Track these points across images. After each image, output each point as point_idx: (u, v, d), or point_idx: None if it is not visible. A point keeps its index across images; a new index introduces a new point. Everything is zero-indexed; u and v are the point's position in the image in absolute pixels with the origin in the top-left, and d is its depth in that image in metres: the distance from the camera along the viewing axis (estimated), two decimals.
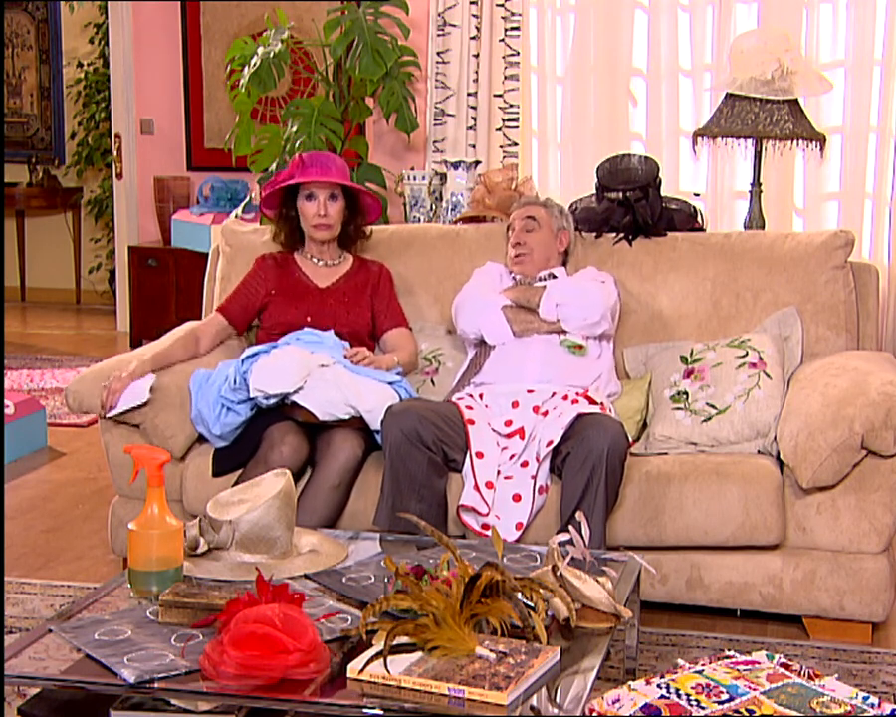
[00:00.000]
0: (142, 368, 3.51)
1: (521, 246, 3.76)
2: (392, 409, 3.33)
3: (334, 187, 3.75)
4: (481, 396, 3.52)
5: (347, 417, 3.42)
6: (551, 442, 3.25)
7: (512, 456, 3.32)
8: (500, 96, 6.22)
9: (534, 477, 3.26)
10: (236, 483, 3.36)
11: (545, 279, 3.75)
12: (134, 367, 3.49)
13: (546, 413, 3.38)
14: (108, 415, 3.46)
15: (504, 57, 6.19)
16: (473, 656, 2.13)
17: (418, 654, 2.14)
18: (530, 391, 3.48)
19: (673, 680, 2.23)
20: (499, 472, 3.29)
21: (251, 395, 3.42)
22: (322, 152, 3.91)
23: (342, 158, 3.94)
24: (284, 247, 3.90)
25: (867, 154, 5.72)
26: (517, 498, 3.24)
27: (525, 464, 3.29)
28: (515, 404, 3.45)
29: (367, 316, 3.81)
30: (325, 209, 3.74)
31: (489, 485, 3.25)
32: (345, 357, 3.56)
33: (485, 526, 3.20)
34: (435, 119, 6.31)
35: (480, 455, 3.29)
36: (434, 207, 5.28)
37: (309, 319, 3.73)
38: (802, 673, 2.26)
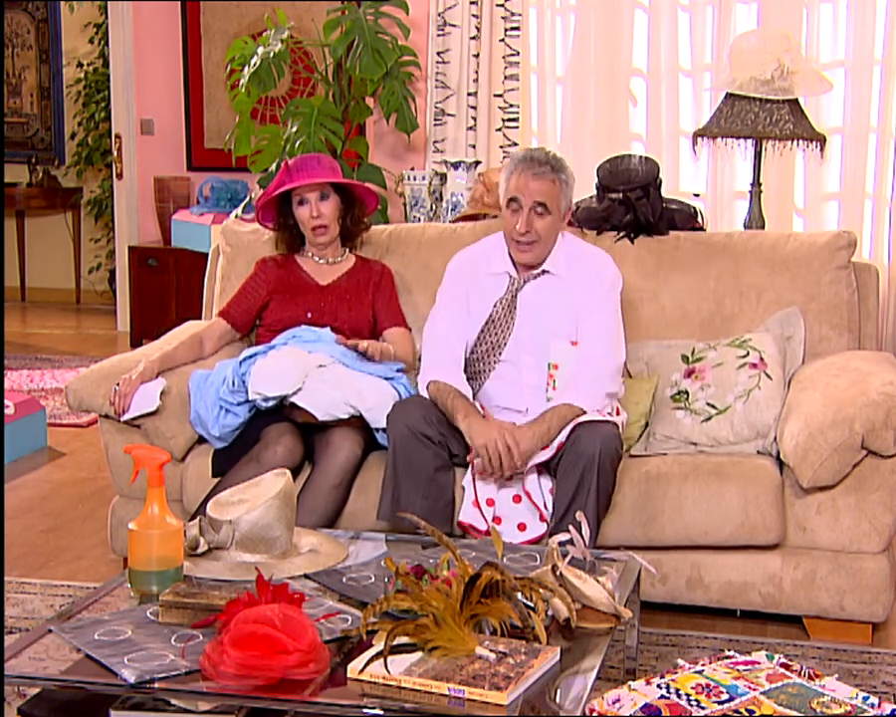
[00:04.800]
0: (150, 369, 3.51)
1: (529, 234, 3.37)
2: (398, 403, 3.33)
3: (322, 187, 3.74)
4: (483, 408, 3.48)
5: (347, 417, 3.41)
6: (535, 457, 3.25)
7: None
8: (500, 96, 6.23)
9: (527, 491, 3.26)
10: (222, 478, 3.36)
11: (538, 276, 3.50)
12: (143, 368, 3.49)
13: None
14: (122, 419, 3.47)
15: (504, 57, 6.20)
16: (473, 656, 2.13)
17: (418, 654, 2.14)
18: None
19: (673, 680, 2.23)
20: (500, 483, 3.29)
21: (250, 398, 3.42)
22: (308, 155, 3.90)
23: (342, 158, 3.93)
24: (286, 252, 3.90)
25: (867, 154, 5.73)
26: (517, 499, 3.24)
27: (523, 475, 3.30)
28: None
29: (368, 314, 3.80)
30: (317, 210, 3.72)
31: (489, 502, 3.24)
32: (349, 347, 3.53)
33: (487, 533, 3.19)
34: (435, 120, 6.31)
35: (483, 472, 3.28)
36: (434, 207, 5.29)
37: (309, 315, 3.71)
38: (802, 673, 2.26)
